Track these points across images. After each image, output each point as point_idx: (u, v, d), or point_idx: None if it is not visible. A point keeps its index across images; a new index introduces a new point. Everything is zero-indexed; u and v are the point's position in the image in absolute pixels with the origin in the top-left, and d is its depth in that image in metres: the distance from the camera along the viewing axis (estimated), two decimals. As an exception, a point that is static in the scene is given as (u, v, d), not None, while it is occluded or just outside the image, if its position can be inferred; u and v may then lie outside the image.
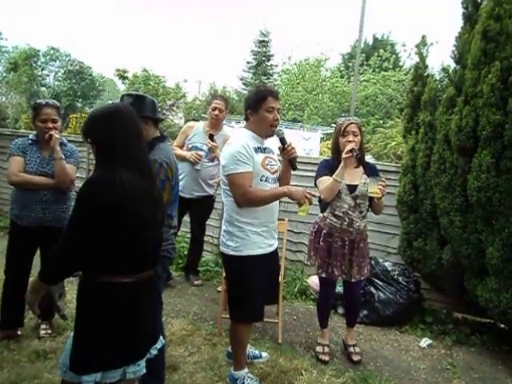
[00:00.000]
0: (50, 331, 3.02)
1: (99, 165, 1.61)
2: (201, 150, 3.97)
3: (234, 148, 2.35)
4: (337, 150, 2.91)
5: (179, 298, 3.95)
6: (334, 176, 2.73)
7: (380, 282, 3.74)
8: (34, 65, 13.44)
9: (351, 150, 2.69)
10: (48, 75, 13.78)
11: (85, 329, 1.58)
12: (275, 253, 2.64)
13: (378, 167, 3.30)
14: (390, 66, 18.09)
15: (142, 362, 1.65)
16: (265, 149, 2.52)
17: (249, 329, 2.57)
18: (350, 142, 2.79)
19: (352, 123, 2.86)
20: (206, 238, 5.04)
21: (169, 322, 3.30)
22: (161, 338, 1.83)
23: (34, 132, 2.91)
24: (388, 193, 3.09)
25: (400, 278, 3.71)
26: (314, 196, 2.29)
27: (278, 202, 2.55)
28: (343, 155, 2.70)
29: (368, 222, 3.11)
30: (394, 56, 19.35)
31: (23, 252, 2.91)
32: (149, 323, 1.69)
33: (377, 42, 24.56)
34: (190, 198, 3.98)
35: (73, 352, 1.57)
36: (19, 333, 2.96)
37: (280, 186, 2.53)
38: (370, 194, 2.75)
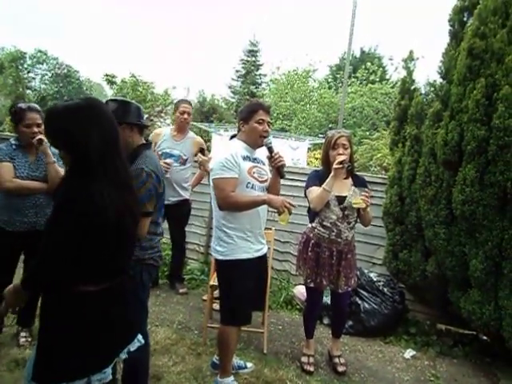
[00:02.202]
0: (29, 339, 2.95)
1: (74, 175, 1.51)
2: (171, 155, 4.02)
3: (223, 155, 2.43)
4: (326, 162, 2.93)
5: (164, 306, 3.91)
6: (323, 186, 2.76)
7: (365, 293, 3.76)
8: (20, 67, 13.25)
9: (342, 162, 2.72)
10: (34, 78, 13.62)
11: (48, 338, 1.53)
12: (264, 258, 2.67)
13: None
14: (377, 79, 18.39)
15: (108, 370, 1.59)
16: (254, 159, 2.58)
17: (236, 334, 2.58)
18: (340, 154, 2.82)
19: (342, 136, 2.88)
20: (191, 247, 5.03)
21: (153, 331, 3.25)
22: (139, 337, 1.78)
23: (14, 136, 2.86)
24: (374, 204, 3.14)
25: (385, 289, 3.74)
26: (293, 206, 2.31)
27: (265, 208, 2.58)
28: (334, 166, 2.73)
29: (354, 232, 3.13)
30: (380, 69, 19.69)
31: (9, 258, 2.85)
32: (117, 332, 1.64)
33: (364, 54, 24.96)
34: (167, 205, 3.96)
35: (35, 362, 1.51)
36: None
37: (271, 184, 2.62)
38: (353, 205, 2.78)
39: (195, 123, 13.41)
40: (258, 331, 3.32)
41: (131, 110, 2.19)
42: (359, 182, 2.95)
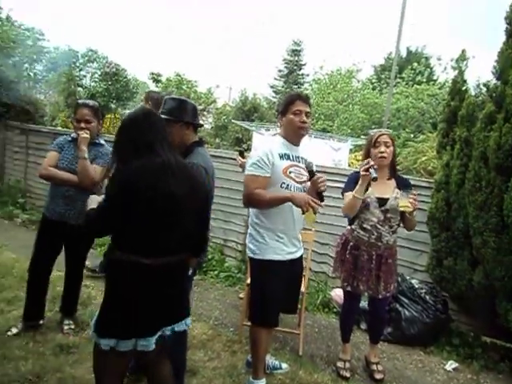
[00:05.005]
0: (73, 326, 3.08)
1: (134, 157, 1.76)
2: None
3: (257, 153, 2.38)
4: None
5: (201, 301, 3.96)
6: (353, 193, 2.66)
7: (406, 300, 3.64)
8: (72, 65, 13.88)
9: (368, 169, 2.56)
10: (85, 76, 14.21)
11: (107, 299, 1.78)
12: (297, 262, 2.58)
13: (409, 182, 3.21)
14: (424, 80, 17.78)
15: (152, 339, 1.75)
16: (297, 157, 2.47)
17: (266, 334, 2.51)
18: (381, 152, 2.73)
19: (384, 134, 2.81)
20: (230, 244, 5.07)
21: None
22: (187, 321, 1.93)
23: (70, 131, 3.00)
24: (418, 208, 3.01)
25: (427, 297, 3.61)
26: (319, 205, 2.17)
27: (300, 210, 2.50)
28: (360, 171, 2.60)
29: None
30: (428, 70, 19.01)
31: (49, 245, 2.98)
32: (165, 305, 1.79)
33: (411, 54, 24.19)
34: None
35: (97, 316, 1.78)
36: (41, 322, 3.03)
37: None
38: (400, 208, 2.66)
39: (236, 121, 13.50)
40: (293, 332, 3.30)
41: (188, 109, 2.31)
42: (403, 184, 2.84)
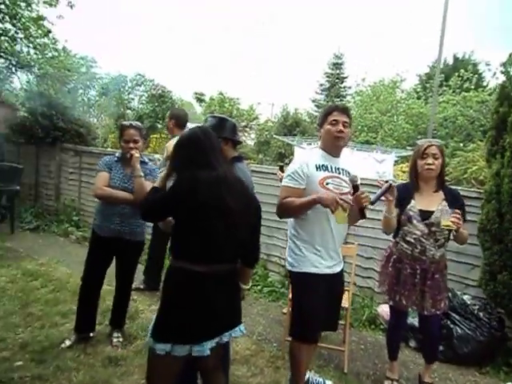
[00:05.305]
0: (121, 339, 3.19)
1: (192, 169, 1.89)
2: None
3: (293, 165, 2.40)
4: (414, 172, 2.78)
5: (244, 316, 3.89)
6: (384, 211, 2.62)
7: (457, 317, 3.46)
8: (122, 89, 14.69)
9: (389, 187, 2.48)
10: (133, 99, 15.00)
11: (163, 305, 1.88)
12: (337, 277, 2.49)
13: (458, 193, 3.08)
14: (472, 87, 17.08)
15: (207, 345, 1.83)
16: (336, 168, 2.41)
17: (308, 351, 2.46)
18: (429, 164, 2.65)
19: (432, 145, 2.70)
20: (273, 259, 5.07)
21: (233, 340, 3.30)
22: (241, 328, 2.03)
23: (120, 150, 3.15)
24: (468, 220, 2.87)
25: (481, 314, 3.41)
26: (347, 203, 2.09)
27: (345, 225, 2.47)
28: (383, 187, 2.51)
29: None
30: (476, 76, 18.25)
31: (100, 261, 3.13)
32: (218, 312, 1.87)
33: (457, 61, 23.39)
34: None
35: (154, 322, 1.88)
36: (91, 335, 3.17)
37: (349, 221, 2.44)
38: (442, 226, 2.54)
39: (277, 136, 13.58)
40: (338, 349, 3.23)
41: (227, 126, 2.44)
42: (452, 197, 2.72)
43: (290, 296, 3.20)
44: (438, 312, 2.77)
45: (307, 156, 2.46)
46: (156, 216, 2.11)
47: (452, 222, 2.42)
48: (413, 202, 2.69)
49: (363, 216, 2.27)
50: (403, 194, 2.72)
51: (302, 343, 2.43)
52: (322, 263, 2.39)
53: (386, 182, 2.53)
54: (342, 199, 2.08)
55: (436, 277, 2.73)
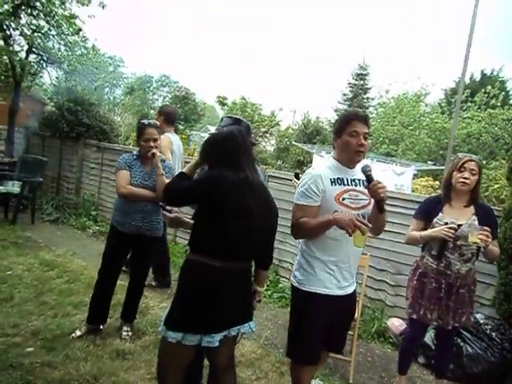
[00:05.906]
0: (130, 333, 3.24)
1: (222, 167, 1.98)
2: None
3: (306, 180, 2.15)
4: (448, 184, 2.71)
5: (253, 320, 3.97)
6: (421, 233, 2.65)
7: (469, 335, 3.39)
8: (146, 90, 14.96)
9: (453, 228, 2.49)
10: (157, 99, 15.25)
11: (177, 295, 1.97)
12: (349, 298, 2.26)
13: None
14: (498, 104, 16.78)
15: (217, 337, 1.90)
16: (352, 180, 2.17)
17: (306, 371, 2.25)
18: (465, 178, 2.59)
19: (472, 160, 2.63)
20: (284, 265, 5.07)
21: (240, 343, 3.31)
22: (251, 325, 2.08)
23: (137, 148, 3.21)
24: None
25: (493, 334, 3.34)
26: (366, 225, 1.88)
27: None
28: (442, 231, 2.51)
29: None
30: (503, 93, 17.90)
31: (118, 255, 3.21)
32: (229, 306, 1.93)
33: (485, 78, 23.01)
34: None
35: (168, 311, 1.96)
36: (101, 327, 3.24)
37: (372, 229, 2.09)
38: (470, 242, 2.47)
39: (297, 143, 13.58)
40: (345, 359, 3.20)
41: (241, 127, 2.42)
42: (483, 213, 2.65)
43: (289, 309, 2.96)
44: (456, 324, 2.71)
45: (320, 167, 2.24)
46: (179, 202, 2.23)
47: (480, 238, 2.37)
48: (440, 214, 2.65)
49: (381, 210, 2.07)
50: (432, 206, 2.71)
51: (301, 365, 2.25)
52: (333, 283, 2.16)
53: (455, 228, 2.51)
54: (360, 221, 1.89)
55: (461, 291, 2.67)
